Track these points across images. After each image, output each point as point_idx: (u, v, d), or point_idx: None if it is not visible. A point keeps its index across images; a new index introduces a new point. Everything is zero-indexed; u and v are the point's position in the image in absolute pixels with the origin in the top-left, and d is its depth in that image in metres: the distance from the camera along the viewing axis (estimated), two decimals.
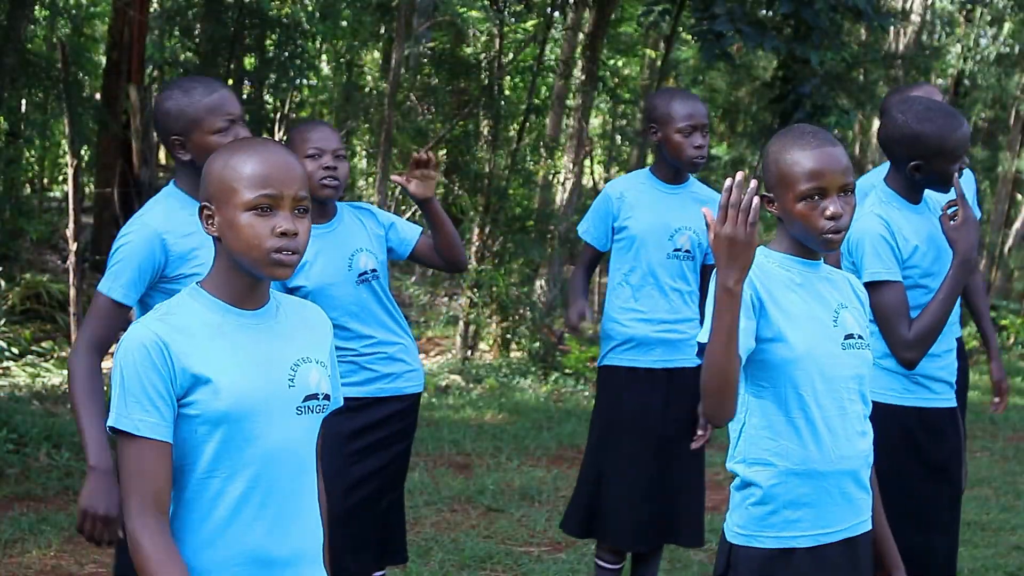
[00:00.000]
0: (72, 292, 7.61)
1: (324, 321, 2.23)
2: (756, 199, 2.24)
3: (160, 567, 1.93)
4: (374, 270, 3.62)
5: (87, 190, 12.79)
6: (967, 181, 4.27)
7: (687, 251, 4.00)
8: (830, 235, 2.45)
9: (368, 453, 3.62)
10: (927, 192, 3.37)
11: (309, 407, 2.10)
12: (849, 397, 2.48)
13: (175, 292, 2.22)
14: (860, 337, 2.53)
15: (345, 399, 2.56)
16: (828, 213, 2.44)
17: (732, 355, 2.29)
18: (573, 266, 4.48)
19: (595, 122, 17.12)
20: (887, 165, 3.44)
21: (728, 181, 2.25)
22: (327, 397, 2.14)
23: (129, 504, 1.97)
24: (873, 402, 2.64)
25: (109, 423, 2.01)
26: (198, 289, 2.09)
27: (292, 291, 3.50)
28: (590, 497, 4.01)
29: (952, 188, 3.23)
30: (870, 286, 3.08)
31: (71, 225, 7.64)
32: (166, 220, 2.92)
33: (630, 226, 3.97)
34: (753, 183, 2.25)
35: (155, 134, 3.20)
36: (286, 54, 11.11)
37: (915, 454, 3.22)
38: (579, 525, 4.06)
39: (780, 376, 2.45)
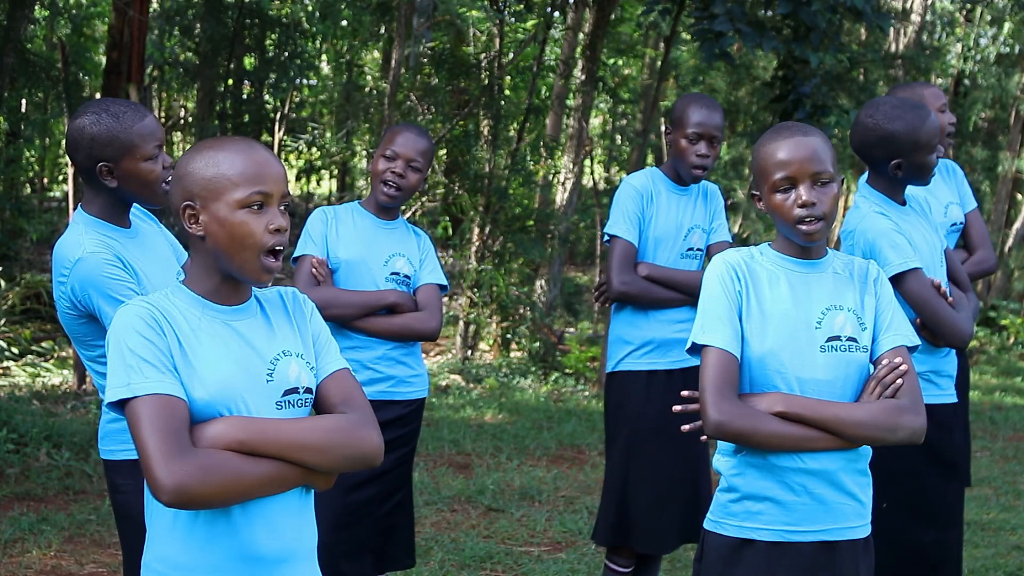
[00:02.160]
0: None
1: (301, 303, 2.22)
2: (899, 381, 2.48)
3: (241, 463, 1.98)
4: (407, 276, 3.73)
5: None
6: (952, 172, 4.31)
7: (699, 249, 4.00)
8: (804, 226, 2.45)
9: None
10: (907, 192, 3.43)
11: (289, 401, 2.10)
12: (825, 399, 2.46)
13: None
14: (851, 339, 2.49)
15: None
16: (800, 201, 2.44)
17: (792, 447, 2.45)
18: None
19: (595, 122, 17.12)
20: None
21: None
22: (308, 391, 2.14)
23: (166, 450, 1.90)
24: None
25: (117, 397, 1.97)
26: (179, 286, 2.12)
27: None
28: (619, 504, 3.96)
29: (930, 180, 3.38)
30: (896, 279, 3.16)
31: None
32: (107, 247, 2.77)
33: (649, 228, 3.91)
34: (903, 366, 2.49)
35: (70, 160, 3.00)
36: (286, 54, 11.13)
37: (928, 452, 3.24)
38: (612, 534, 4.00)
39: (744, 372, 2.46)
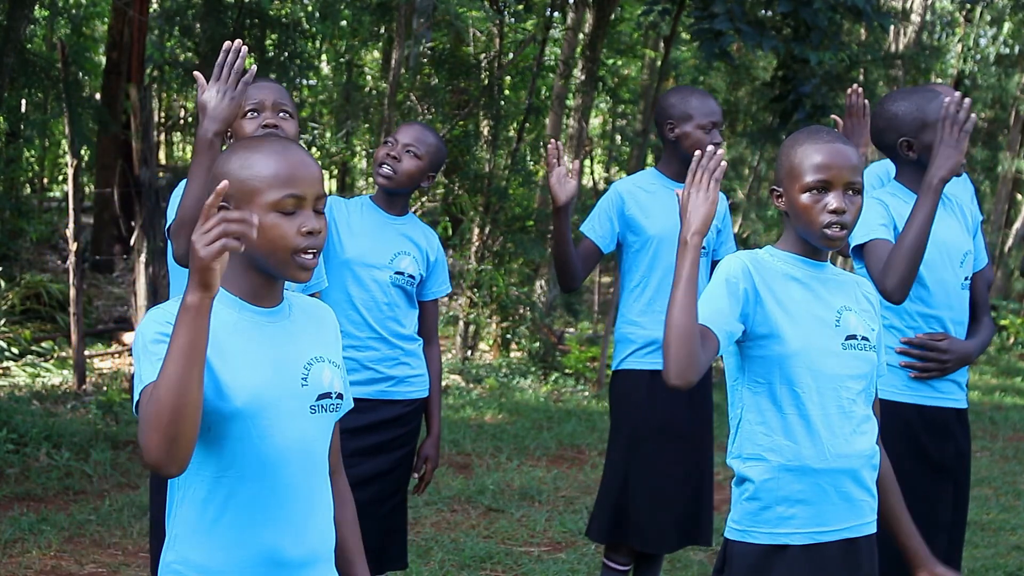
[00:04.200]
0: (72, 292, 7.61)
1: (333, 321, 2.23)
2: (724, 163, 2.42)
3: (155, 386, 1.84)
4: (412, 276, 3.71)
5: (87, 190, 12.81)
6: (964, 181, 4.27)
7: (703, 248, 3.98)
8: (830, 231, 2.45)
9: (368, 455, 3.60)
10: (948, 194, 3.36)
11: (323, 406, 2.09)
12: (849, 397, 2.48)
13: None
14: (865, 339, 2.52)
15: None
16: (831, 207, 2.44)
17: (688, 311, 2.33)
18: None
19: (595, 122, 17.12)
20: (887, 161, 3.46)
21: (697, 153, 2.42)
22: (340, 396, 2.13)
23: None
24: (878, 399, 2.64)
25: (135, 404, 1.93)
26: None
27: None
28: (616, 502, 3.94)
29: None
30: (860, 250, 3.12)
31: (71, 225, 7.63)
32: None
33: (647, 227, 3.90)
34: (720, 151, 2.40)
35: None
36: (286, 54, 11.11)
37: (916, 451, 3.20)
38: (607, 531, 3.99)
39: (775, 372, 2.46)
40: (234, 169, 2.05)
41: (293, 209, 2.02)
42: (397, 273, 3.67)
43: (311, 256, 2.03)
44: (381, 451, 3.65)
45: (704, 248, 3.97)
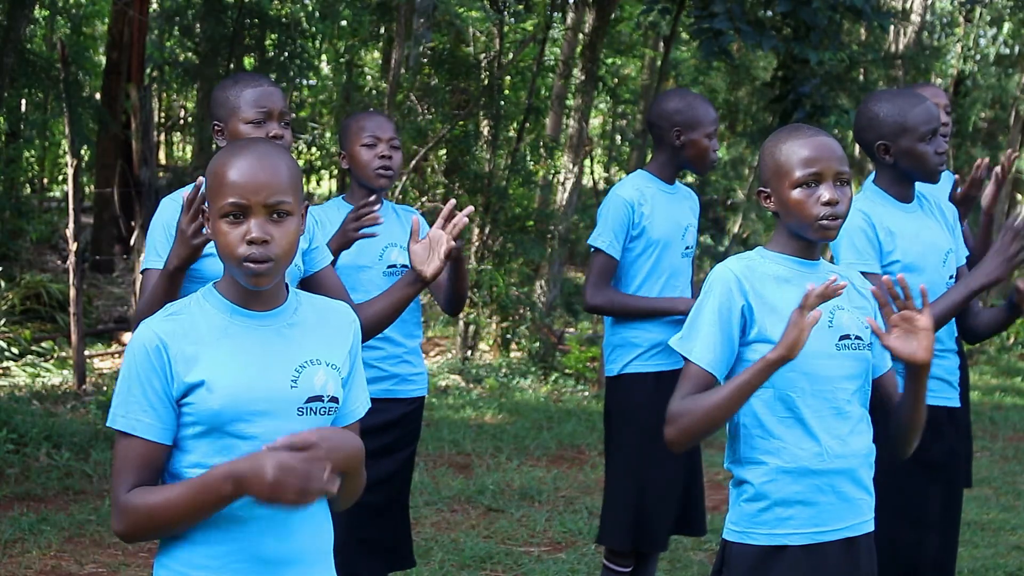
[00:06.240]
0: (72, 292, 7.61)
1: (349, 322, 2.21)
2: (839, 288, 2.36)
3: (147, 495, 2.00)
4: (405, 266, 3.66)
5: (87, 190, 12.81)
6: (948, 179, 4.26)
7: (691, 247, 4.02)
8: (825, 222, 2.45)
9: (376, 458, 3.58)
10: (925, 193, 3.37)
11: (312, 409, 2.09)
12: (844, 397, 2.48)
13: None
14: (859, 338, 2.52)
15: None
16: (824, 199, 2.44)
17: (729, 413, 2.43)
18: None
19: (595, 122, 17.12)
20: None
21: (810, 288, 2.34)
22: (334, 400, 2.13)
23: (119, 486, 2.02)
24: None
25: (108, 422, 2.04)
26: (211, 290, 2.11)
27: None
28: (635, 508, 3.92)
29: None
30: None
31: (71, 225, 7.63)
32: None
33: (650, 231, 3.89)
34: (843, 283, 2.37)
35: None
36: (286, 54, 11.11)
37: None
38: (627, 538, 3.94)
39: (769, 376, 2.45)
40: (207, 173, 2.09)
41: (239, 216, 2.01)
42: (390, 267, 3.66)
43: (256, 264, 2.01)
44: (388, 453, 3.65)
45: (691, 247, 4.01)
